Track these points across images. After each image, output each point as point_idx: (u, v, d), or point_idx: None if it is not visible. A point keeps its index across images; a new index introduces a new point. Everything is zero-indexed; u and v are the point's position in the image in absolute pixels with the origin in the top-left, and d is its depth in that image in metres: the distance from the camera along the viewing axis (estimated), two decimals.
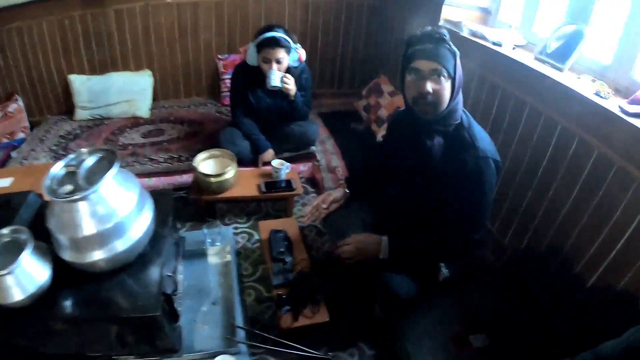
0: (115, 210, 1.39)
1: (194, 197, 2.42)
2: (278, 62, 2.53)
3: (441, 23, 2.77)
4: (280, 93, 2.65)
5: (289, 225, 2.21)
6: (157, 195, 1.70)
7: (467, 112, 1.60)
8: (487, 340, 1.76)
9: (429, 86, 1.44)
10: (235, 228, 2.46)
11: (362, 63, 3.96)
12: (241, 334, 1.77)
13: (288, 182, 2.51)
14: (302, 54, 2.65)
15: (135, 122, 3.42)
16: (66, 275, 1.42)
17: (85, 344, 1.50)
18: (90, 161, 1.43)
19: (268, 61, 2.52)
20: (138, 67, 3.58)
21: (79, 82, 3.42)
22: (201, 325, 1.81)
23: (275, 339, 1.75)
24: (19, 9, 3.05)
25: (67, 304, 1.40)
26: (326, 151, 3.08)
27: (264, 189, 2.45)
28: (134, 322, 1.40)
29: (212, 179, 2.34)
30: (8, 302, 1.30)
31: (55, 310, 1.38)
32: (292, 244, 2.08)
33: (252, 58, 2.59)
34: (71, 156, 1.47)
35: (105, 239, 1.38)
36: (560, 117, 1.88)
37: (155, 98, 3.67)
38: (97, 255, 1.38)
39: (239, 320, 1.83)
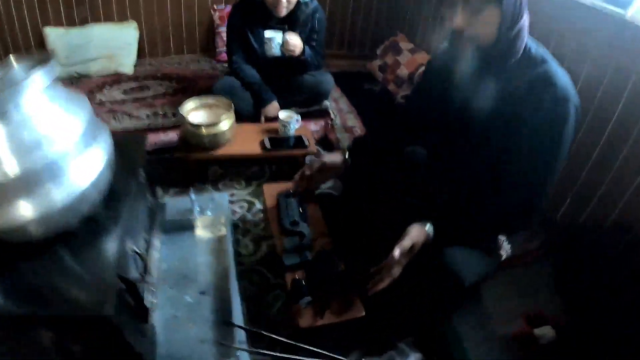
0: (47, 139, 0.83)
1: (180, 155, 1.84)
2: None
3: None
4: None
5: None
6: (123, 139, 1.14)
7: (540, 44, 1.14)
8: (553, 333, 1.36)
9: (459, 20, 1.05)
10: (232, 195, 1.89)
11: (377, 22, 3.36)
12: (241, 336, 1.21)
13: (299, 139, 1.94)
14: None
15: (116, 79, 2.81)
16: None
17: (6, 352, 0.93)
18: (19, 73, 0.86)
19: None
20: (122, 19, 2.95)
21: (54, 35, 2.79)
22: (185, 323, 1.25)
23: (289, 342, 1.20)
24: None
25: None
26: (340, 110, 2.51)
27: (268, 146, 1.88)
28: (75, 325, 0.84)
29: (204, 130, 1.76)
30: None
31: None
32: (307, 213, 1.51)
33: None
34: None
35: (32, 181, 0.82)
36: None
37: (140, 55, 3.04)
38: (23, 210, 0.81)
39: (238, 316, 1.28)
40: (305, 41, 2.13)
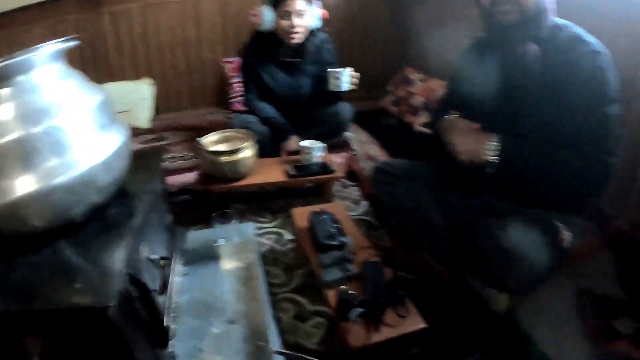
0: (56, 109, 0.73)
1: (200, 188, 1.69)
2: (299, 15, 1.92)
3: None
4: (298, 67, 2.03)
5: (334, 210, 1.46)
6: (141, 150, 1.03)
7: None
8: (634, 323, 1.18)
9: None
10: (258, 229, 1.71)
11: (383, 62, 3.32)
12: None
13: (324, 165, 1.79)
14: (325, 12, 2.02)
15: (133, 132, 2.71)
16: None
17: None
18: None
19: (287, 15, 1.91)
20: (136, 76, 2.94)
21: None
22: (211, 356, 1.03)
23: None
24: (10, 15, 2.49)
25: None
26: (360, 141, 2.37)
27: (293, 172, 1.73)
28: (67, 325, 0.64)
29: (224, 158, 1.63)
30: None
31: None
32: (343, 229, 1.33)
33: (267, 19, 1.96)
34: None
35: (32, 149, 0.69)
36: None
37: (155, 112, 3.00)
38: (20, 183, 0.67)
39: (276, 344, 1.06)
40: (321, 72, 2.05)
